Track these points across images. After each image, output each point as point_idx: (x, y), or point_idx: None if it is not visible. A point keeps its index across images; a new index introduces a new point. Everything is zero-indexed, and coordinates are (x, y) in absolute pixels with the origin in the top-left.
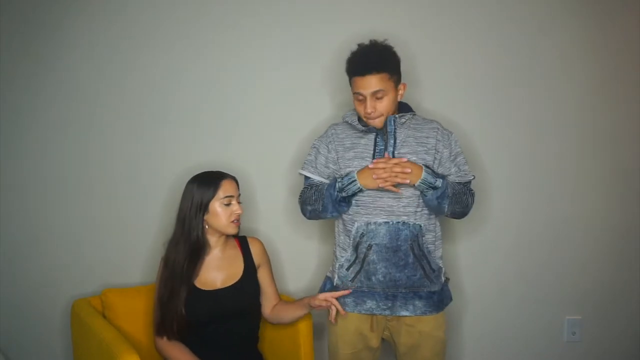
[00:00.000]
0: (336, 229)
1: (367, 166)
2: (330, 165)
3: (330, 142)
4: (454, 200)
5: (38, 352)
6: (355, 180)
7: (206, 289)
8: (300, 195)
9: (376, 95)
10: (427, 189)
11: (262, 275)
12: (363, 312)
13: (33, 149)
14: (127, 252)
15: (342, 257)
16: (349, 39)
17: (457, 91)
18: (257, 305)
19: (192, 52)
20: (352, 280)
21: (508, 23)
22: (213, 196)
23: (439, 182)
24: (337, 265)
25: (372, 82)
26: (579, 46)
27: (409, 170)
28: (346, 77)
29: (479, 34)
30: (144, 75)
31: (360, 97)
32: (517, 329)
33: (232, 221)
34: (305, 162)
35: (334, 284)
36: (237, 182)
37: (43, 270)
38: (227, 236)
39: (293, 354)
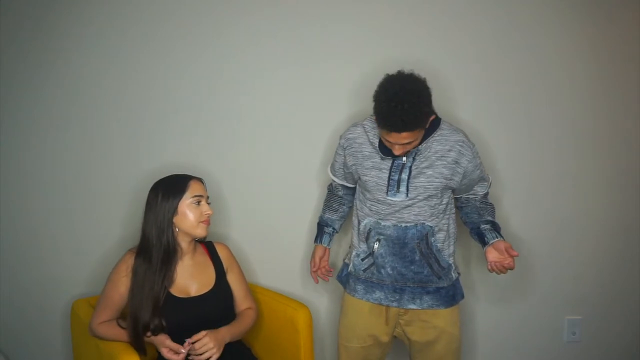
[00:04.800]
0: (355, 220)
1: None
2: (345, 170)
3: (347, 146)
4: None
5: (38, 352)
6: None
7: (182, 297)
8: (328, 188)
9: (407, 143)
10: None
11: (232, 278)
12: (372, 300)
13: (33, 148)
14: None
15: (360, 247)
16: (362, 40)
17: (455, 90)
18: (232, 312)
19: (193, 52)
20: (365, 270)
21: (508, 23)
22: (181, 197)
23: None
24: (353, 254)
25: (404, 137)
26: (579, 46)
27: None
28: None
29: (478, 34)
30: (146, 76)
31: (390, 142)
32: (517, 329)
33: (202, 222)
34: (333, 166)
35: (349, 270)
36: (204, 183)
37: (43, 270)
38: (196, 242)
39: (293, 354)
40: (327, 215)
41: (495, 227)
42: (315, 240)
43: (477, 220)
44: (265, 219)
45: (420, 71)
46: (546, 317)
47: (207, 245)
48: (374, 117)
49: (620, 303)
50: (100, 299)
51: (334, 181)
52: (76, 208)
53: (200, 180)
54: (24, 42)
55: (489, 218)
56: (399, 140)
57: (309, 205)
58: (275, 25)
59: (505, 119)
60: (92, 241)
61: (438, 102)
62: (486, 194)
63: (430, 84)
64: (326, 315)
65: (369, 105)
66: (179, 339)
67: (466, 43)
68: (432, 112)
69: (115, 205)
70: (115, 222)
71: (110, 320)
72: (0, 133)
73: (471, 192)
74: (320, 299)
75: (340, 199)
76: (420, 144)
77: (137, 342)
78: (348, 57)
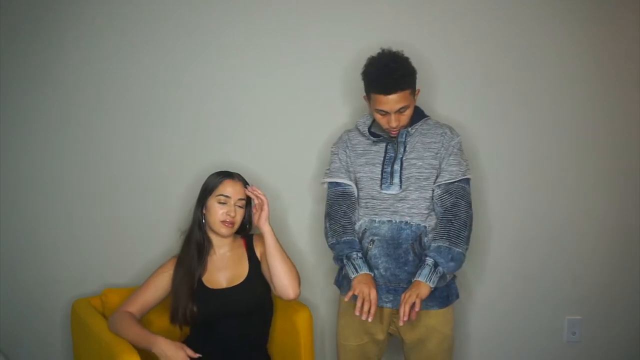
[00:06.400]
0: None
1: (362, 290)
2: (350, 169)
3: (346, 147)
4: (468, 238)
5: (38, 352)
6: (351, 280)
7: (213, 288)
8: (327, 206)
9: (400, 111)
10: (441, 278)
11: (264, 266)
12: None
13: (33, 149)
14: (127, 252)
15: None
16: (361, 40)
17: (455, 90)
18: (265, 305)
19: (193, 52)
20: None
21: (508, 23)
22: (212, 192)
23: (440, 269)
24: None
25: (396, 100)
26: (579, 46)
27: (418, 308)
28: (360, 83)
29: (477, 34)
30: (145, 75)
31: (383, 112)
32: (517, 328)
33: (223, 221)
34: (333, 170)
35: (343, 273)
36: (245, 186)
37: (43, 270)
38: (235, 236)
39: (293, 354)
40: (346, 238)
41: (437, 268)
42: (353, 272)
43: (431, 242)
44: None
45: (420, 71)
46: (546, 317)
47: (247, 239)
48: (365, 114)
49: (620, 303)
50: (137, 289)
51: (341, 184)
52: (76, 208)
53: (241, 182)
54: (24, 42)
55: (438, 252)
56: (393, 106)
57: (308, 205)
58: (275, 25)
59: (505, 119)
60: (92, 241)
61: (437, 103)
62: (448, 192)
63: (430, 84)
64: (326, 315)
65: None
66: (208, 330)
67: (466, 43)
68: (416, 80)
69: (115, 205)
70: (115, 222)
71: (132, 314)
72: (0, 133)
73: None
74: (320, 299)
75: (351, 207)
76: (410, 125)
77: (177, 319)
78: (348, 57)
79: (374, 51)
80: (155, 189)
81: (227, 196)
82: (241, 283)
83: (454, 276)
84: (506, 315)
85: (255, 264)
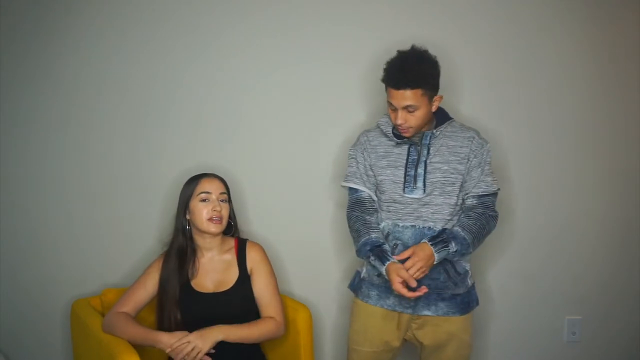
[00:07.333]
0: None
1: (395, 272)
2: (370, 172)
3: (364, 149)
4: (476, 242)
5: (38, 352)
6: (382, 273)
7: (201, 291)
8: (348, 210)
9: (408, 109)
10: (447, 255)
11: (256, 282)
12: (385, 307)
13: (33, 149)
14: (127, 252)
15: None
16: (362, 40)
17: (455, 91)
18: (252, 311)
19: (193, 52)
20: (379, 275)
21: (508, 23)
22: (192, 194)
23: (452, 247)
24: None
25: (405, 97)
26: (579, 46)
27: (425, 270)
28: (379, 83)
29: (477, 34)
30: (145, 75)
31: (393, 107)
32: (517, 328)
33: (210, 219)
34: (348, 174)
35: (362, 277)
36: (222, 181)
37: (43, 270)
38: (224, 238)
39: (293, 354)
40: (374, 236)
41: (442, 236)
42: (384, 262)
43: (458, 227)
44: (265, 219)
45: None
46: (546, 317)
47: (240, 243)
48: (385, 113)
49: (620, 303)
50: (127, 290)
51: (364, 192)
52: (76, 208)
53: (217, 178)
54: (24, 42)
55: (456, 228)
56: (399, 101)
57: (311, 205)
58: (275, 25)
59: (505, 119)
60: (92, 241)
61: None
62: (484, 204)
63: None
64: (326, 315)
65: (370, 103)
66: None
67: (466, 44)
68: (437, 84)
69: (115, 205)
70: (115, 222)
71: (128, 314)
72: (0, 133)
73: (465, 192)
74: (321, 299)
75: (373, 215)
76: (435, 127)
77: (163, 325)
78: (348, 57)
79: (374, 51)
80: (155, 189)
81: (208, 192)
82: (228, 290)
83: (474, 282)
84: (506, 315)
85: (244, 275)
